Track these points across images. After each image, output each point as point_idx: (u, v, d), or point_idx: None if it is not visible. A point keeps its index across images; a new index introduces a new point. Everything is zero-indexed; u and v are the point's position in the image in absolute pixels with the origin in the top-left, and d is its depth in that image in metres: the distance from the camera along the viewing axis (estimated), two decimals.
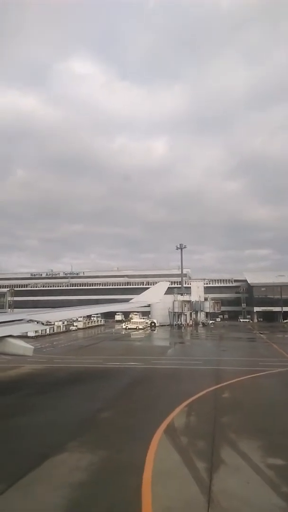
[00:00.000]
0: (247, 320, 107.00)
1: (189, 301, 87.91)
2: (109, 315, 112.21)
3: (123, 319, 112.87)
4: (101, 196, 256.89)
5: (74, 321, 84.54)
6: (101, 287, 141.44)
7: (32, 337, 57.83)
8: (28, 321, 18.35)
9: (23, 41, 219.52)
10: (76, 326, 77.62)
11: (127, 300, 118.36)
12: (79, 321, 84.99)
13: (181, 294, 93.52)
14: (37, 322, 20.14)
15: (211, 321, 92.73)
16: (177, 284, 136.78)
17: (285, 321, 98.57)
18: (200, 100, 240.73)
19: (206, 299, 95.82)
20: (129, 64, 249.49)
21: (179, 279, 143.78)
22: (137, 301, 29.22)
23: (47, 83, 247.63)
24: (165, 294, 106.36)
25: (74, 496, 9.66)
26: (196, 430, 14.87)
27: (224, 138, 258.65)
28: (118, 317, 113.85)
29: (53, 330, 66.51)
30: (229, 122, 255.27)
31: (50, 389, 23.02)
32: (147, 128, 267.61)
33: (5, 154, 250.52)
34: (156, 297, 27.33)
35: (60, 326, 70.96)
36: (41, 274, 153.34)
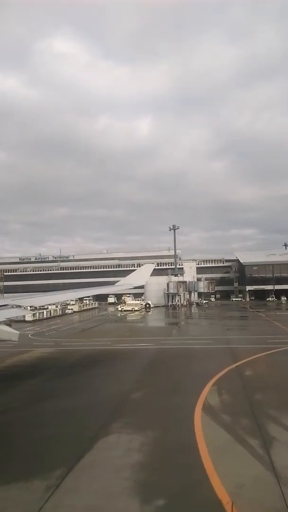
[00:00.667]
0: (239, 299, 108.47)
1: (184, 282, 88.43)
2: (102, 298, 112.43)
3: (116, 301, 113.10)
4: (86, 178, 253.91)
5: (68, 304, 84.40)
6: (91, 270, 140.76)
7: (30, 321, 57.65)
8: (12, 306, 17.96)
9: (2, 19, 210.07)
10: (72, 309, 77.36)
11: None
12: (73, 304, 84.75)
13: (175, 275, 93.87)
14: (23, 307, 19.71)
15: (205, 301, 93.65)
16: (168, 266, 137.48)
17: (267, 299, 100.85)
18: (185, 79, 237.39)
19: (200, 279, 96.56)
20: (113, 43, 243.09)
21: (169, 260, 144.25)
22: (123, 284, 28.98)
23: (28, 63, 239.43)
24: (159, 275, 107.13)
25: (139, 478, 9.58)
26: (234, 408, 14.95)
27: (209, 118, 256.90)
28: (111, 299, 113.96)
29: (50, 314, 66.22)
30: (214, 101, 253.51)
31: (70, 372, 22.87)
32: (131, 108, 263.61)
33: None
34: (142, 279, 27.40)
35: (56, 310, 70.69)
36: (30, 258, 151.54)
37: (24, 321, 57.43)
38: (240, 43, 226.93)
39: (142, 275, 28.88)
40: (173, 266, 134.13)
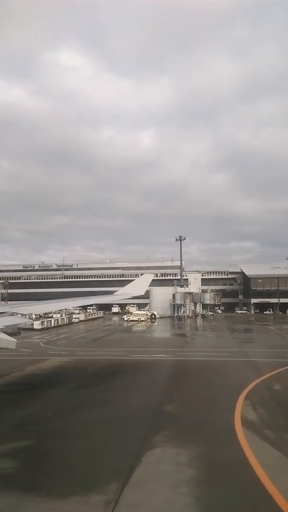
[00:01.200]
0: (244, 311, 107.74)
1: (191, 293, 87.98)
2: (106, 308, 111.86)
3: (120, 311, 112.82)
4: (87, 188, 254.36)
5: (74, 313, 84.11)
6: (95, 279, 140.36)
7: (38, 330, 57.41)
8: (11, 314, 17.85)
9: (9, 31, 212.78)
10: (78, 318, 76.99)
11: None
12: (79, 313, 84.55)
13: (181, 286, 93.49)
14: (21, 315, 19.58)
15: (210, 313, 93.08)
16: (172, 276, 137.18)
17: (265, 312, 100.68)
18: (188, 93, 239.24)
19: (205, 290, 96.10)
20: (117, 56, 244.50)
21: (172, 271, 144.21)
22: (122, 293, 28.80)
23: (33, 74, 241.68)
24: (163, 286, 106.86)
25: (200, 494, 9.30)
26: (274, 422, 14.67)
27: (210, 131, 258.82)
28: (115, 309, 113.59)
29: (58, 323, 65.85)
30: (216, 115, 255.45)
31: (94, 382, 22.52)
32: (134, 121, 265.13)
33: None
34: (141, 289, 27.22)
35: (63, 319, 70.41)
36: (33, 266, 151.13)
37: (33, 329, 57.36)
38: (242, 58, 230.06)
39: (141, 285, 28.80)
40: (176, 277, 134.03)
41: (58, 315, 78.01)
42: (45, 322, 61.06)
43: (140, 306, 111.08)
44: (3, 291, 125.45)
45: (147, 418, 15.24)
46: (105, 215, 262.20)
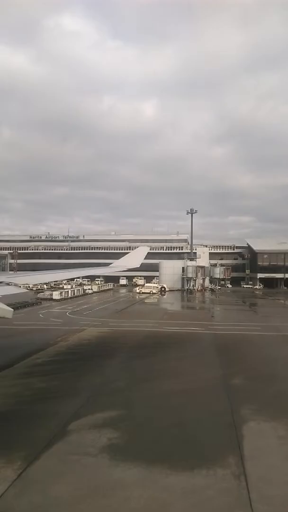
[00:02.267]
0: (250, 286, 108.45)
1: (202, 267, 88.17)
2: (114, 279, 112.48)
3: (127, 283, 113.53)
4: (87, 159, 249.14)
5: (84, 284, 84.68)
6: (102, 251, 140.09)
7: (57, 300, 57.84)
8: (7, 284, 17.83)
9: None
10: (92, 289, 77.32)
11: None
12: (89, 284, 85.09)
13: (191, 260, 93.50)
14: (20, 286, 19.50)
15: (218, 287, 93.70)
16: (177, 250, 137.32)
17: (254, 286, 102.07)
18: (192, 62, 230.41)
19: (214, 265, 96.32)
20: (122, 22, 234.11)
21: (178, 244, 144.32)
22: (117, 266, 28.60)
23: (34, 39, 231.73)
24: (169, 259, 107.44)
25: None
26: None
27: (212, 103, 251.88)
28: (123, 281, 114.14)
29: (74, 294, 66.20)
30: (219, 86, 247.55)
31: (146, 353, 22.67)
32: (137, 90, 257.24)
33: None
34: (136, 262, 27.31)
35: (79, 290, 70.83)
36: (40, 237, 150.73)
37: (52, 299, 57.81)
38: (248, 29, 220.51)
39: (136, 258, 28.83)
40: (181, 251, 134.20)
41: (69, 286, 78.78)
42: (63, 292, 61.42)
43: (148, 279, 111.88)
44: (12, 261, 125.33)
45: (221, 391, 15.40)
46: (105, 187, 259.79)
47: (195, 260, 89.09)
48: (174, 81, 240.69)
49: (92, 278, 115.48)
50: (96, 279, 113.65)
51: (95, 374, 17.64)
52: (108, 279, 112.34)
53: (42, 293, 63.27)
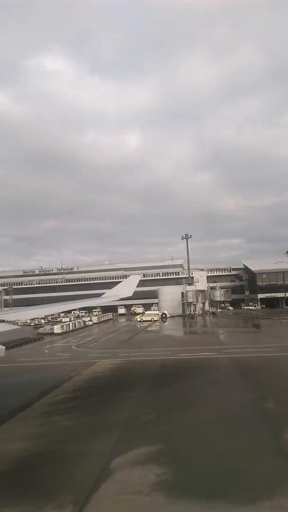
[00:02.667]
0: (252, 307, 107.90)
1: (202, 291, 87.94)
2: (111, 309, 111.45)
3: (126, 312, 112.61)
4: (73, 192, 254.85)
5: (84, 316, 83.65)
6: (97, 281, 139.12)
7: (59, 334, 56.73)
8: None
9: None
10: (92, 321, 76.30)
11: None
12: (90, 316, 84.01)
13: (189, 284, 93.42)
14: (17, 322, 19.20)
15: (219, 310, 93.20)
16: (173, 275, 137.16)
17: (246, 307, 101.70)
18: (171, 94, 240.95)
19: (214, 287, 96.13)
20: (100, 59, 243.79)
21: (174, 270, 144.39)
22: (110, 295, 28.02)
23: (16, 80, 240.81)
24: (166, 285, 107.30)
25: None
26: None
27: (194, 131, 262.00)
28: (121, 310, 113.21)
29: (75, 326, 65.17)
30: (199, 115, 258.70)
31: (166, 382, 21.97)
32: (118, 123, 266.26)
33: None
34: (128, 291, 27.02)
35: (80, 322, 69.84)
36: (33, 271, 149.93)
37: (53, 333, 56.78)
38: (223, 59, 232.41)
39: (128, 286, 28.60)
40: (179, 276, 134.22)
41: (67, 319, 77.86)
42: (64, 326, 60.41)
43: (146, 307, 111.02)
44: (7, 297, 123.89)
45: (256, 417, 14.84)
46: (92, 217, 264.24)
47: (194, 285, 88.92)
48: (155, 112, 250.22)
49: (89, 310, 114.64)
50: (94, 310, 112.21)
51: (120, 408, 16.91)
52: (105, 309, 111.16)
53: (42, 328, 62.26)
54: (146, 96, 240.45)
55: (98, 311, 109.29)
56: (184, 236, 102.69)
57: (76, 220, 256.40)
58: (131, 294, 26.68)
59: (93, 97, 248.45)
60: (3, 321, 17.62)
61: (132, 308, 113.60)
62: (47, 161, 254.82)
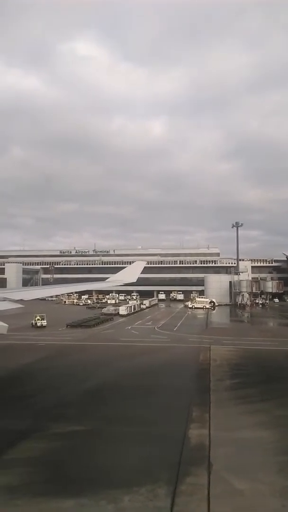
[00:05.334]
0: None
1: (257, 281, 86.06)
2: (148, 294, 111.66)
3: (165, 298, 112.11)
4: (96, 176, 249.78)
5: (130, 300, 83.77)
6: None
7: (124, 315, 56.35)
8: (3, 299, 17.10)
9: (27, 22, 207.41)
10: (145, 305, 75.91)
11: (164, 279, 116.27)
12: (145, 300, 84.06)
13: (236, 274, 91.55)
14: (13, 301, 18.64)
15: (266, 301, 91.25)
16: (212, 263, 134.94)
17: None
18: (199, 84, 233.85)
19: (264, 278, 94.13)
20: (132, 46, 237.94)
21: (211, 258, 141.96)
22: (114, 280, 27.79)
23: (49, 64, 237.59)
24: (204, 273, 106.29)
25: None
26: None
27: (219, 121, 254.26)
28: (162, 296, 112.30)
29: (135, 309, 65.07)
30: (225, 105, 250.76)
31: None
32: (145, 110, 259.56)
33: (2, 132, 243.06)
34: (133, 277, 26.29)
35: (138, 305, 69.54)
36: (70, 252, 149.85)
37: (118, 314, 56.52)
38: (253, 50, 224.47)
39: (133, 272, 27.77)
40: (217, 264, 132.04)
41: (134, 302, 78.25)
42: (128, 308, 60.07)
43: (186, 294, 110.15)
44: (47, 276, 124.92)
45: None
46: (112, 202, 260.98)
47: (247, 274, 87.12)
48: (182, 101, 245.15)
49: (127, 292, 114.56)
50: (132, 294, 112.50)
51: None
52: (142, 293, 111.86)
53: (105, 309, 62.13)
54: (175, 84, 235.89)
55: (136, 295, 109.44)
56: (234, 224, 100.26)
57: (96, 204, 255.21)
58: (135, 280, 25.89)
59: (123, 84, 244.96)
60: (6, 299, 17.49)
61: (172, 294, 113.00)
62: (72, 145, 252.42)
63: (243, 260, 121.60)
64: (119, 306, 66.18)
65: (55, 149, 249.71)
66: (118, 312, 57.80)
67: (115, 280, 27.56)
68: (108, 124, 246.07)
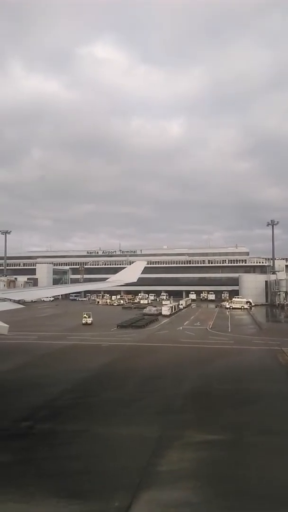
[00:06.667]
0: None
1: None
2: (176, 294, 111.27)
3: (195, 298, 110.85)
4: (114, 176, 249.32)
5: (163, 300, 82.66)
6: (161, 265, 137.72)
7: (167, 315, 55.73)
8: (4, 300, 16.84)
9: (47, 28, 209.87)
10: (182, 304, 74.84)
11: (193, 279, 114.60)
12: (181, 300, 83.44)
13: (274, 273, 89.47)
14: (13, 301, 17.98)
15: None
16: (242, 263, 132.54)
17: None
18: (218, 82, 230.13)
19: None
20: (150, 47, 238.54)
21: (240, 257, 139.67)
22: (114, 280, 27.45)
23: (69, 67, 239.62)
24: (233, 272, 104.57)
25: None
26: None
27: (239, 119, 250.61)
28: (192, 296, 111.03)
29: (175, 309, 63.91)
30: (245, 103, 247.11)
31: None
32: (163, 110, 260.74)
33: (23, 135, 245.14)
34: (133, 277, 25.55)
35: (177, 305, 68.62)
36: (97, 252, 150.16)
37: (162, 315, 55.79)
38: (272, 48, 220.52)
39: (133, 272, 26.96)
40: (246, 264, 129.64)
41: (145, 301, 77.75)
42: (170, 308, 59.16)
43: (217, 293, 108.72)
44: (75, 276, 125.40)
45: None
46: (130, 202, 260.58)
47: (284, 273, 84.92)
48: (201, 100, 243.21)
49: (157, 293, 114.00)
50: (162, 294, 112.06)
51: None
52: (171, 293, 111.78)
53: (146, 309, 61.47)
54: (193, 83, 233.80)
55: (166, 295, 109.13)
56: (269, 223, 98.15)
57: (113, 205, 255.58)
58: (135, 280, 25.18)
59: (141, 85, 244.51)
60: (6, 299, 17.32)
61: (202, 294, 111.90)
62: (90, 147, 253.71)
63: (276, 259, 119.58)
64: (153, 305, 66.45)
65: (73, 151, 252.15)
66: (161, 313, 57.29)
67: (115, 280, 27.63)
68: (126, 125, 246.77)
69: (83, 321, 46.19)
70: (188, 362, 24.77)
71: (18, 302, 16.17)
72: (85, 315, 47.14)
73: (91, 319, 46.96)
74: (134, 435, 12.28)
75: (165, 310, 57.17)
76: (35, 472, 9.89)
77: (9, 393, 17.04)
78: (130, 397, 16.58)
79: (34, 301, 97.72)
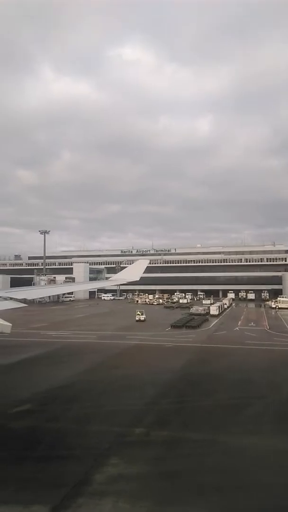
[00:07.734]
0: None
1: None
2: (214, 293, 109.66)
3: (234, 297, 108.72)
4: (140, 176, 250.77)
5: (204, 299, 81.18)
6: (193, 264, 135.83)
7: (215, 315, 54.50)
8: (6, 298, 16.92)
9: (76, 30, 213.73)
10: (226, 304, 73.31)
11: (229, 278, 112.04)
12: (225, 299, 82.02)
13: None
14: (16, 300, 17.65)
15: None
16: (282, 261, 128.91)
17: None
18: (247, 80, 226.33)
19: None
20: (178, 47, 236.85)
21: (278, 255, 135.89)
22: (117, 279, 28.10)
23: (97, 70, 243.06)
24: (283, 271, 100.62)
25: None
26: None
27: (267, 117, 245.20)
28: (231, 295, 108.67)
29: (221, 309, 62.47)
30: (273, 100, 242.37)
31: None
32: (191, 109, 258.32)
33: (53, 138, 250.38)
34: (136, 275, 24.99)
35: (222, 305, 67.15)
36: (130, 251, 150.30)
37: (210, 314, 54.61)
38: None
39: (136, 271, 26.34)
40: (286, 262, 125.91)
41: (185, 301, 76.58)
42: (217, 308, 57.81)
43: (255, 293, 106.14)
44: (111, 275, 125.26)
45: None
46: (156, 202, 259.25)
47: None
48: (228, 98, 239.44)
49: (194, 292, 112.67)
50: (199, 293, 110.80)
51: None
52: (207, 292, 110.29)
53: (193, 309, 60.40)
54: (221, 81, 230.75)
55: (203, 294, 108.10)
56: None
57: (139, 204, 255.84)
58: (138, 279, 24.78)
59: (169, 84, 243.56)
60: (11, 298, 17.44)
61: (241, 294, 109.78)
62: (118, 147, 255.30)
63: None
64: (194, 305, 66.44)
65: (101, 152, 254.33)
66: (208, 312, 56.29)
67: (118, 279, 27.95)
68: (153, 124, 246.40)
69: (137, 318, 48.69)
70: (270, 366, 23.49)
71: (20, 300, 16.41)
72: (138, 312, 50.20)
73: (144, 316, 49.29)
74: (268, 446, 11.24)
75: (213, 310, 55.96)
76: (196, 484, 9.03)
77: (108, 395, 16.42)
78: (233, 403, 15.59)
79: (72, 300, 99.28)
